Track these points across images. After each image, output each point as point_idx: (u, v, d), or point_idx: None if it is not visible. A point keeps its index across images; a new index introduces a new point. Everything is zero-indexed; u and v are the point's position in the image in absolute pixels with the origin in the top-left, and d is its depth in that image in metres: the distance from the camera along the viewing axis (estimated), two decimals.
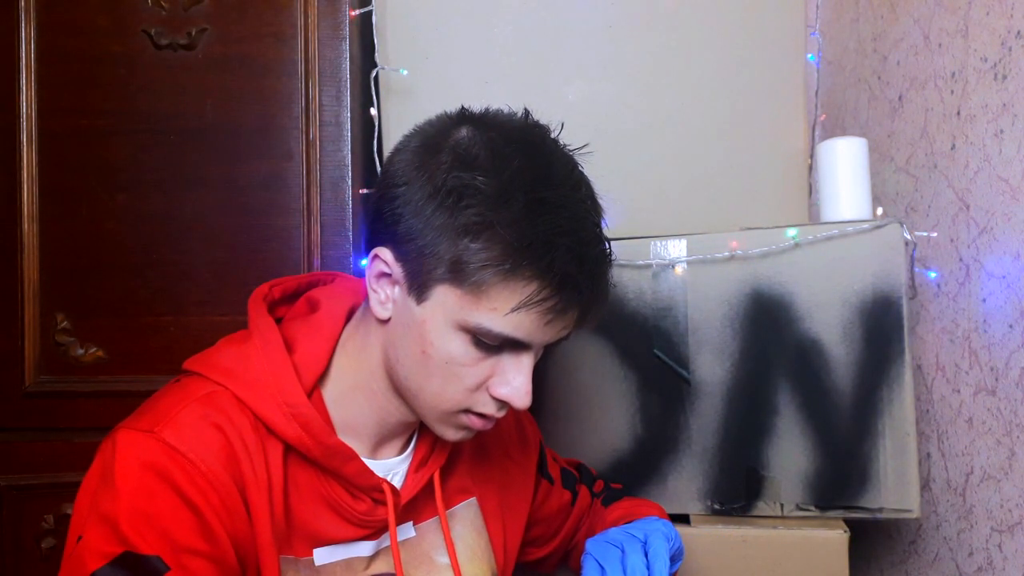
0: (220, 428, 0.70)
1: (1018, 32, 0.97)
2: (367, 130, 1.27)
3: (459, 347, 0.70)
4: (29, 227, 1.26)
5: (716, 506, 1.14)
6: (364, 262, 0.76)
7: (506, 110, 0.75)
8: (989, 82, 1.04)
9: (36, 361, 1.27)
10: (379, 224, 0.73)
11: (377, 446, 0.81)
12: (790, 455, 1.12)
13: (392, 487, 0.79)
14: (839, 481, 1.11)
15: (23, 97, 1.26)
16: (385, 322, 0.74)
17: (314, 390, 0.76)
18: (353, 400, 0.78)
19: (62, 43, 1.27)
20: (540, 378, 1.17)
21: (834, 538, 1.09)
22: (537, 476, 0.98)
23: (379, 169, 1.24)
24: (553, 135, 0.75)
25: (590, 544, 0.84)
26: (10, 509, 1.26)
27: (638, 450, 1.15)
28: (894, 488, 1.09)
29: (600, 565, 0.81)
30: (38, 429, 1.28)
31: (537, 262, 0.66)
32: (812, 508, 1.12)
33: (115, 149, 1.27)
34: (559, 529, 1.02)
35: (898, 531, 1.29)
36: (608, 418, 1.16)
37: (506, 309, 0.68)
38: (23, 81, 1.26)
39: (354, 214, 1.28)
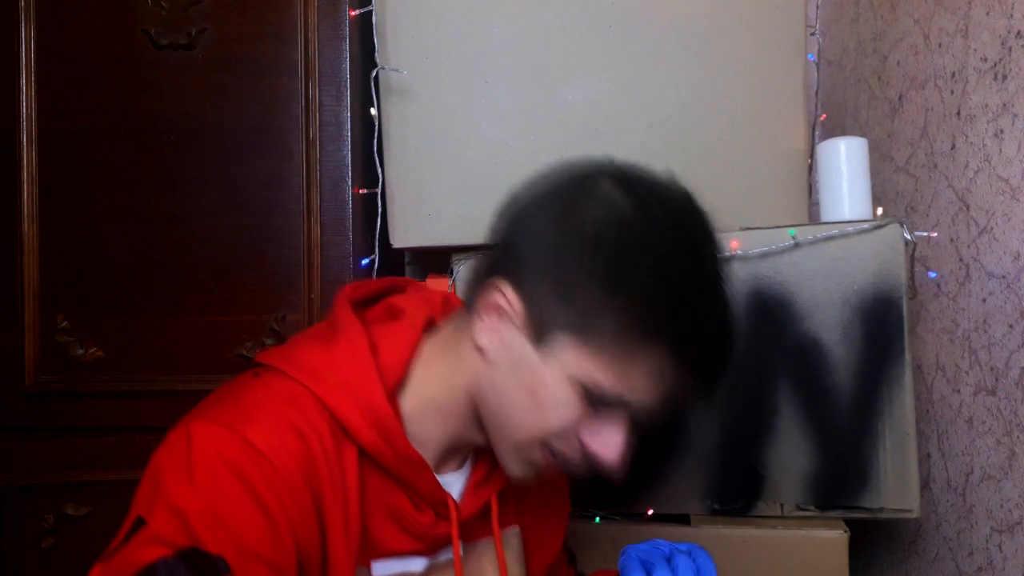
0: (303, 434, 0.68)
1: (1018, 32, 0.97)
2: (367, 130, 1.27)
3: (569, 396, 0.69)
4: (29, 227, 1.27)
5: (716, 506, 1.14)
6: (457, 282, 0.75)
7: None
8: (989, 82, 1.04)
9: (36, 361, 1.27)
10: (506, 255, 0.72)
11: (439, 462, 0.79)
12: (790, 455, 1.12)
13: (455, 503, 0.78)
14: (839, 481, 1.10)
15: (23, 97, 1.26)
16: (482, 349, 0.73)
17: (392, 397, 0.75)
18: (428, 416, 0.76)
19: (62, 43, 1.27)
20: None
21: (834, 538, 1.09)
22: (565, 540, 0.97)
23: (379, 169, 1.24)
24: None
25: (631, 548, 0.80)
26: (10, 509, 1.26)
27: (638, 450, 1.15)
28: (894, 488, 1.09)
29: (643, 561, 0.78)
30: (38, 429, 1.28)
31: (675, 335, 0.65)
32: (812, 508, 1.12)
33: (115, 149, 1.27)
34: None
35: (898, 531, 1.29)
36: None
37: (630, 376, 0.67)
38: (23, 81, 1.26)
39: (354, 214, 1.28)
